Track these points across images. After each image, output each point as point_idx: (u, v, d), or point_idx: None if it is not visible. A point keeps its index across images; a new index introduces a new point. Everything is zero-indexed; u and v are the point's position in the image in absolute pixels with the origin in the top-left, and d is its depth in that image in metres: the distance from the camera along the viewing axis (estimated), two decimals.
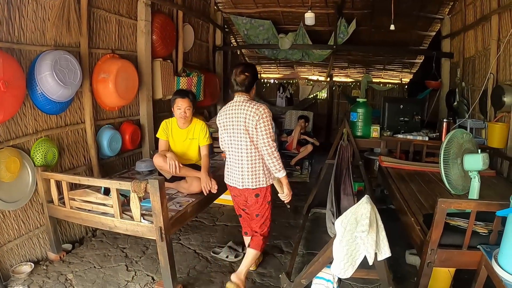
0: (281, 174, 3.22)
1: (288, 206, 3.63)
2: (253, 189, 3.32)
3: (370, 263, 2.38)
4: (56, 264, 4.02)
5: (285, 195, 3.34)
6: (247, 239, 3.70)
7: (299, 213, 5.27)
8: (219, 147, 5.97)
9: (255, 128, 3.13)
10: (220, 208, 5.60)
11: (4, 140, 3.74)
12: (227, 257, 4.01)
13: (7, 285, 3.65)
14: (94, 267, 3.96)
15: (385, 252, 2.45)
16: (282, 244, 4.36)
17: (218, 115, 3.43)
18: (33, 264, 3.93)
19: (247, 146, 3.23)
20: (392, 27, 6.57)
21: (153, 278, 3.70)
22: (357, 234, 2.34)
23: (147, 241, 4.40)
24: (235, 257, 4.00)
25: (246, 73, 3.28)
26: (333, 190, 4.20)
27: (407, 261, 3.87)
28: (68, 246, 4.38)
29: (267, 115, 3.15)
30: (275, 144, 3.19)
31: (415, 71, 10.40)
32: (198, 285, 3.58)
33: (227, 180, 3.51)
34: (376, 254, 2.40)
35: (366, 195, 2.46)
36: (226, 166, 3.53)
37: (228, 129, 3.33)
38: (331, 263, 2.60)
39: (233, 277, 3.33)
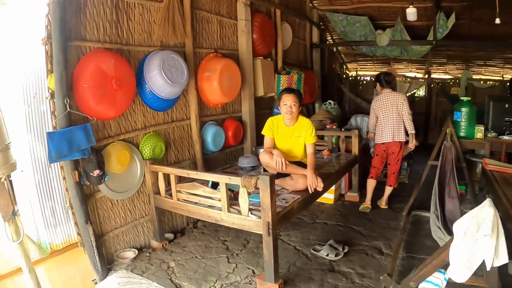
0: (413, 131, 5.19)
1: (411, 150, 5.50)
2: (399, 141, 5.19)
3: (488, 268, 2.28)
4: (158, 252, 4.24)
5: (413, 144, 5.23)
6: (371, 182, 5.50)
7: (398, 214, 5.15)
8: (320, 145, 6.01)
9: (402, 106, 5.13)
10: (319, 206, 5.58)
11: (115, 134, 4.03)
12: (327, 255, 3.98)
13: (111, 268, 3.92)
14: (196, 257, 4.13)
15: (503, 258, 2.33)
16: (382, 245, 4.26)
17: (374, 101, 5.40)
18: (136, 251, 4.18)
19: (398, 117, 5.17)
20: (497, 20, 6.18)
21: (253, 271, 3.78)
22: (478, 237, 2.25)
23: (247, 234, 4.50)
24: (336, 256, 3.97)
25: (392, 77, 5.46)
26: (437, 193, 4.05)
27: (509, 272, 3.63)
28: (170, 236, 4.60)
29: (407, 100, 5.23)
30: (411, 113, 5.22)
31: None
32: (298, 282, 3.59)
33: (381, 139, 5.30)
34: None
35: (488, 199, 2.34)
36: (379, 131, 5.34)
37: (384, 108, 5.23)
38: (443, 267, 2.52)
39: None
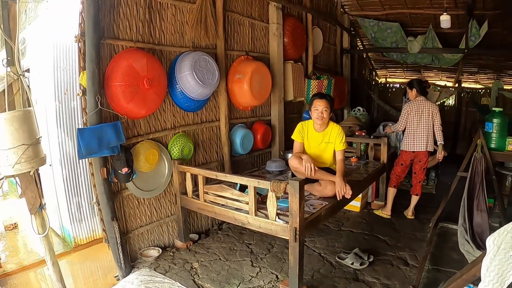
0: (442, 141, 5.15)
1: (439, 161, 5.44)
2: (428, 151, 5.20)
3: None
4: (182, 252, 4.25)
5: (441, 155, 5.16)
6: (393, 190, 5.43)
7: (425, 225, 5.03)
8: (348, 152, 5.98)
9: (436, 116, 5.14)
10: (345, 214, 5.50)
11: (145, 133, 4.06)
12: (352, 263, 3.92)
13: (134, 265, 3.94)
14: (220, 259, 4.12)
15: None
16: (407, 256, 4.17)
17: (409, 106, 5.23)
18: (160, 250, 4.20)
19: (430, 125, 5.16)
20: None
21: (277, 277, 3.74)
22: None
23: (272, 239, 4.48)
24: (360, 264, 3.91)
25: (429, 85, 5.49)
26: (466, 205, 3.95)
27: None
28: (194, 236, 4.61)
29: (438, 109, 5.21)
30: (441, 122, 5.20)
31: None
32: None
33: (412, 147, 5.22)
34: None
35: None
36: (409, 138, 5.23)
37: (419, 115, 5.16)
38: (472, 282, 2.46)
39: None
